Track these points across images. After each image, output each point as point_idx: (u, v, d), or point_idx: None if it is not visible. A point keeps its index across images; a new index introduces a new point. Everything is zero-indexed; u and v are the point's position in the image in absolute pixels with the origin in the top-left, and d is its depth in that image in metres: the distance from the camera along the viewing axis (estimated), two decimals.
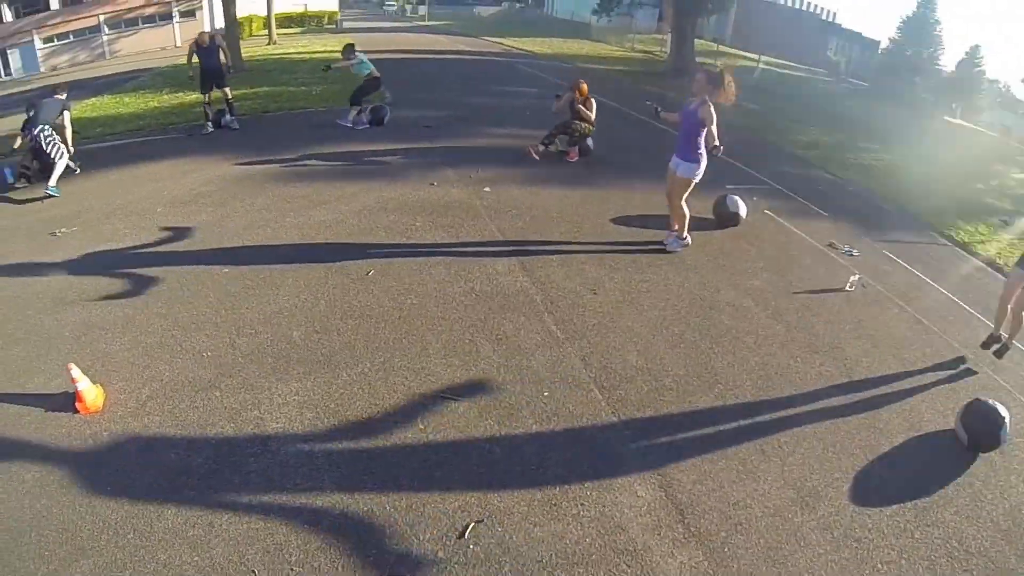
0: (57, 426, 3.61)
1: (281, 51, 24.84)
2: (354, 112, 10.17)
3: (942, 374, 5.09)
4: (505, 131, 10.60)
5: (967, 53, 32.40)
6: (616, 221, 6.88)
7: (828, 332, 5.32)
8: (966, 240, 9.27)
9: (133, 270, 5.48)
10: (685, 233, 6.19)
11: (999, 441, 3.97)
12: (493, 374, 4.24)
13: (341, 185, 7.53)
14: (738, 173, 9.73)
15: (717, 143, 5.57)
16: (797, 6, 51.10)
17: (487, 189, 7.51)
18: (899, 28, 28.02)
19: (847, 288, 6.17)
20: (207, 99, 10.31)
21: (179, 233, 6.26)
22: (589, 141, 9.12)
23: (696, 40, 27.24)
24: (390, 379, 4.13)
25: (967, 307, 6.62)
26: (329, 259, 5.66)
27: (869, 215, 9.27)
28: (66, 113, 7.74)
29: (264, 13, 30.26)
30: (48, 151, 7.48)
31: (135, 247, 5.99)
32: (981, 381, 5.05)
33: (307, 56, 22.06)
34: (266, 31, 29.86)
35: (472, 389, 4.09)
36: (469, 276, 5.45)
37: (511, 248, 6.00)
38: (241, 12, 34.06)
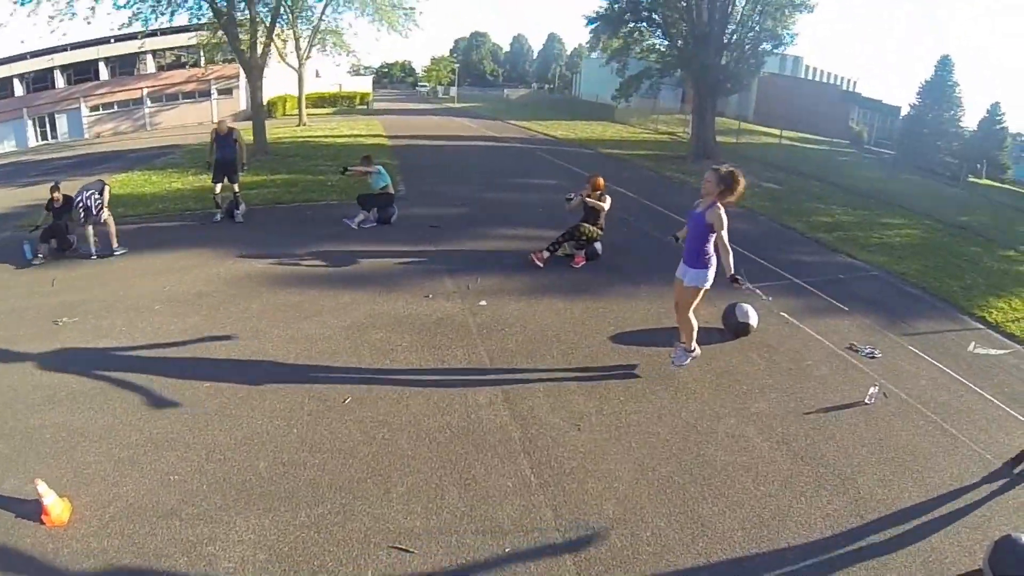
0: (24, 535, 3.64)
1: (308, 133, 25.87)
2: (362, 215, 10.33)
3: (971, 497, 4.55)
4: (514, 231, 10.56)
5: (988, 111, 31.72)
6: (617, 339, 6.56)
7: (840, 460, 4.81)
8: (999, 320, 8.67)
9: (123, 374, 5.55)
10: (693, 344, 5.76)
11: None
12: (455, 524, 3.91)
13: (335, 294, 7.50)
14: (754, 267, 9.37)
15: (734, 271, 5.13)
16: (818, 78, 51.58)
17: (483, 303, 7.34)
18: (919, 93, 27.70)
19: (866, 401, 5.67)
20: (218, 188, 10.69)
21: (171, 336, 6.35)
22: (597, 246, 8.95)
23: (719, 118, 27.50)
24: (348, 525, 3.86)
25: (1003, 405, 6.05)
26: (309, 380, 5.53)
27: (892, 304, 8.75)
28: (106, 189, 8.77)
29: (297, 93, 31.91)
30: (96, 214, 8.42)
31: (129, 347, 6.10)
32: (1019, 500, 4.54)
33: (332, 140, 22.87)
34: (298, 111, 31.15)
35: (429, 540, 3.76)
36: (448, 409, 5.19)
37: (497, 376, 5.73)
38: (276, 91, 36.54)
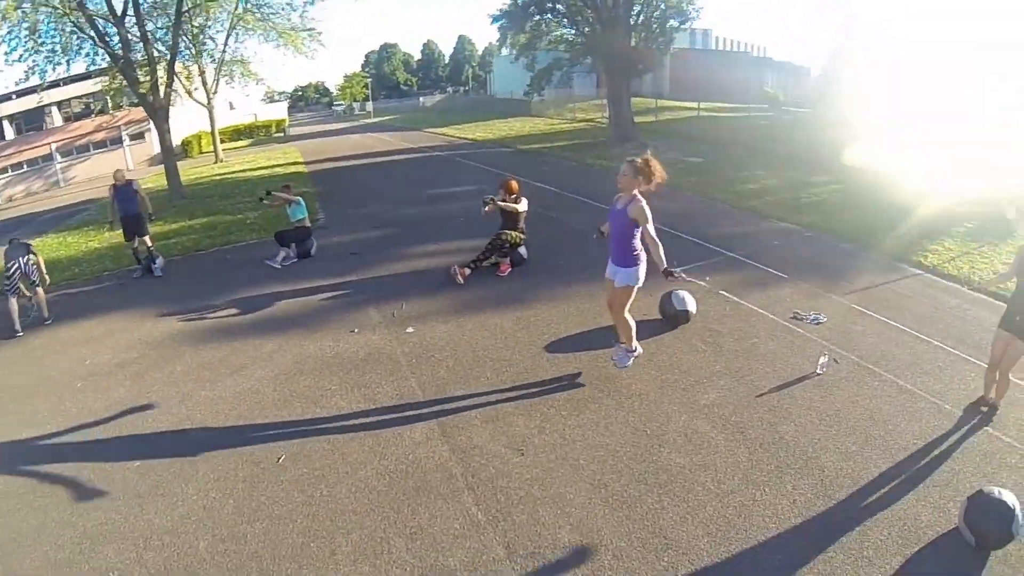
0: None
1: (225, 170, 25.16)
2: (282, 253, 9.88)
3: (936, 453, 4.54)
4: (437, 246, 10.24)
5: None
6: (552, 348, 6.30)
7: (800, 440, 4.68)
8: (935, 263, 8.91)
9: (51, 466, 5.13)
10: (634, 343, 5.57)
11: (1012, 535, 3.50)
12: None
13: (260, 342, 7.06)
14: (685, 248, 9.34)
15: (667, 266, 4.81)
16: (729, 48, 53.40)
17: (410, 330, 6.99)
18: (828, 56, 28.96)
19: (818, 372, 5.60)
20: (135, 243, 10.20)
21: (97, 414, 5.90)
22: (522, 250, 8.71)
23: (636, 98, 27.92)
24: None
25: (952, 349, 6.16)
26: (240, 443, 5.15)
27: (830, 263, 8.85)
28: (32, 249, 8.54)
29: (211, 129, 31.10)
30: (34, 279, 8.31)
31: (54, 434, 5.64)
32: (982, 447, 4.57)
33: (250, 174, 22.24)
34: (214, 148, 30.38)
35: None
36: (384, 452, 4.84)
37: (432, 408, 5.39)
38: (190, 129, 35.32)
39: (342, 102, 76.80)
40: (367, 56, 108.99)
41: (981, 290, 8.05)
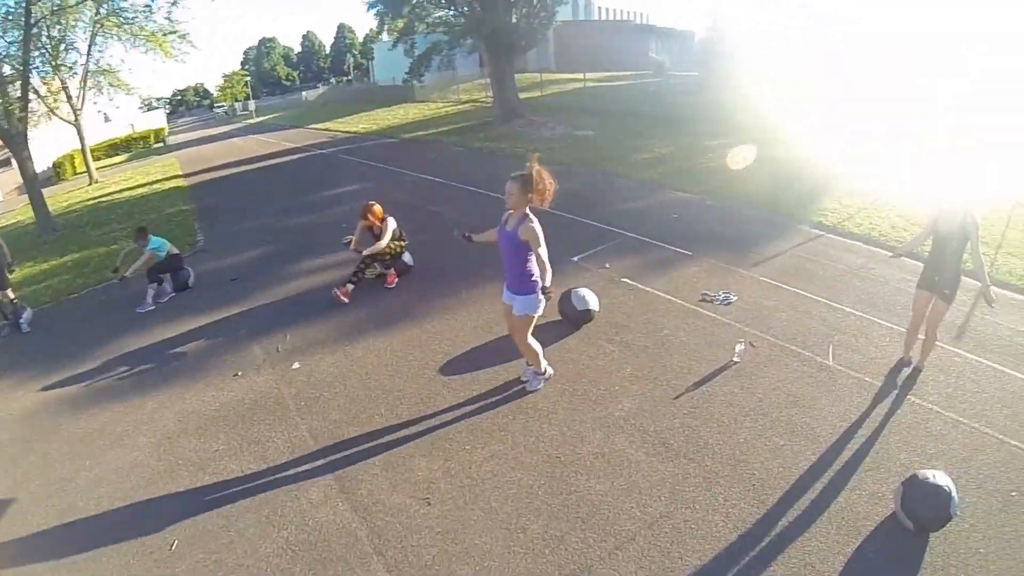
0: None
1: (101, 192, 22.87)
2: (152, 292, 8.73)
3: (863, 433, 4.52)
4: (322, 260, 9.43)
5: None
6: (447, 370, 5.79)
7: (726, 443, 4.46)
8: (834, 223, 9.15)
9: None
10: (544, 366, 5.21)
11: (950, 517, 3.55)
12: None
13: (140, 402, 6.17)
14: (583, 233, 9.08)
15: (547, 283, 4.51)
16: (611, 17, 54.40)
17: (296, 366, 6.30)
18: (711, 18, 29.84)
19: (735, 360, 5.43)
20: None
21: None
22: (407, 256, 8.14)
23: (521, 74, 27.70)
24: None
25: (864, 314, 6.27)
26: (129, 532, 4.38)
27: (733, 233, 8.88)
28: None
29: (91, 146, 28.18)
30: None
31: None
32: (907, 418, 4.64)
33: (128, 194, 20.21)
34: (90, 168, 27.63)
35: None
36: (282, 521, 4.23)
37: (327, 459, 4.78)
38: (62, 150, 31.89)
39: (223, 103, 73.29)
40: (246, 53, 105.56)
41: (883, 246, 8.28)
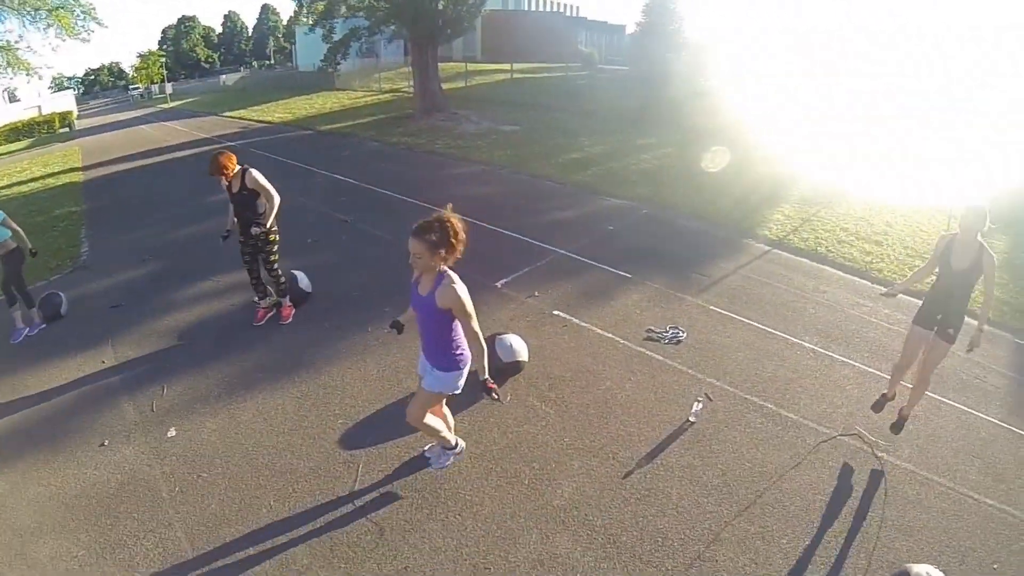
0: None
1: None
2: (19, 315, 6.92)
3: (840, 502, 3.98)
4: (214, 281, 7.88)
5: (706, 23, 34.77)
6: (349, 440, 4.64)
7: (688, 537, 3.65)
8: (781, 236, 8.64)
9: None
10: (453, 439, 4.15)
11: None
12: None
13: None
14: (508, 249, 8.11)
15: (486, 374, 3.41)
16: (541, 8, 53.70)
17: (172, 433, 4.95)
18: (643, 11, 29.54)
19: (691, 420, 4.65)
20: None
21: None
22: (304, 280, 6.92)
23: (446, 64, 26.52)
24: None
25: (824, 350, 5.78)
26: None
27: (675, 249, 8.19)
28: None
29: None
30: None
31: None
32: (883, 484, 4.16)
33: (18, 189, 17.33)
34: None
35: None
36: None
37: (205, 569, 3.67)
38: None
39: (139, 85, 67.86)
40: (164, 32, 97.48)
41: (830, 263, 7.83)
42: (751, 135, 14.48)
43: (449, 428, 4.09)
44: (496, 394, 3.38)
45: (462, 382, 3.64)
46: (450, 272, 3.33)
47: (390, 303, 6.60)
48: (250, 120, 27.76)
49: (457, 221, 3.24)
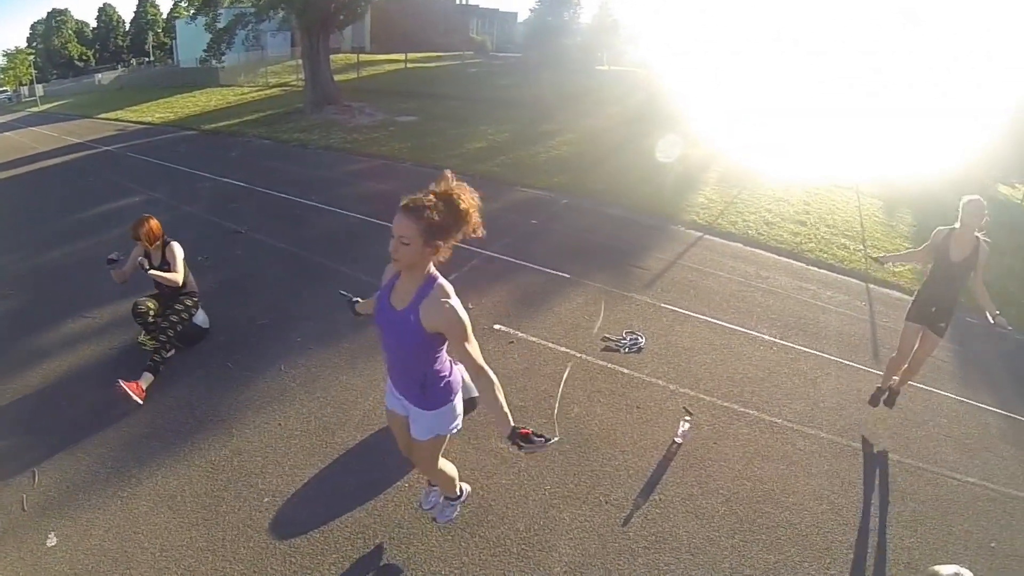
0: None
1: None
2: None
3: (843, 506, 3.67)
4: (84, 322, 5.99)
5: (600, 7, 34.79)
6: (283, 526, 3.46)
7: None
8: (709, 221, 8.31)
9: None
10: (459, 488, 3.21)
11: None
12: None
13: None
14: None
15: (511, 422, 2.31)
16: None
17: (52, 541, 3.46)
18: None
19: (677, 441, 4.03)
20: None
21: None
22: (201, 316, 5.56)
23: (336, 55, 24.94)
24: None
25: (785, 341, 5.47)
26: None
27: (608, 240, 7.68)
28: None
29: None
30: None
31: None
32: (878, 479, 3.96)
33: None
34: None
35: None
36: None
37: None
38: None
39: (6, 88, 60.17)
40: (33, 27, 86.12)
41: (763, 246, 7.56)
42: (657, 118, 14.24)
43: (456, 477, 3.15)
44: (542, 436, 2.29)
45: (460, 414, 2.69)
46: (442, 280, 2.35)
47: (301, 330, 5.49)
48: (128, 121, 24.86)
49: (468, 195, 2.28)
